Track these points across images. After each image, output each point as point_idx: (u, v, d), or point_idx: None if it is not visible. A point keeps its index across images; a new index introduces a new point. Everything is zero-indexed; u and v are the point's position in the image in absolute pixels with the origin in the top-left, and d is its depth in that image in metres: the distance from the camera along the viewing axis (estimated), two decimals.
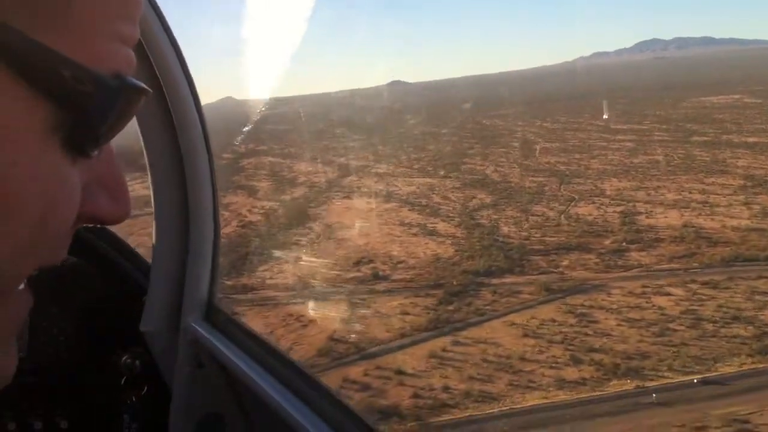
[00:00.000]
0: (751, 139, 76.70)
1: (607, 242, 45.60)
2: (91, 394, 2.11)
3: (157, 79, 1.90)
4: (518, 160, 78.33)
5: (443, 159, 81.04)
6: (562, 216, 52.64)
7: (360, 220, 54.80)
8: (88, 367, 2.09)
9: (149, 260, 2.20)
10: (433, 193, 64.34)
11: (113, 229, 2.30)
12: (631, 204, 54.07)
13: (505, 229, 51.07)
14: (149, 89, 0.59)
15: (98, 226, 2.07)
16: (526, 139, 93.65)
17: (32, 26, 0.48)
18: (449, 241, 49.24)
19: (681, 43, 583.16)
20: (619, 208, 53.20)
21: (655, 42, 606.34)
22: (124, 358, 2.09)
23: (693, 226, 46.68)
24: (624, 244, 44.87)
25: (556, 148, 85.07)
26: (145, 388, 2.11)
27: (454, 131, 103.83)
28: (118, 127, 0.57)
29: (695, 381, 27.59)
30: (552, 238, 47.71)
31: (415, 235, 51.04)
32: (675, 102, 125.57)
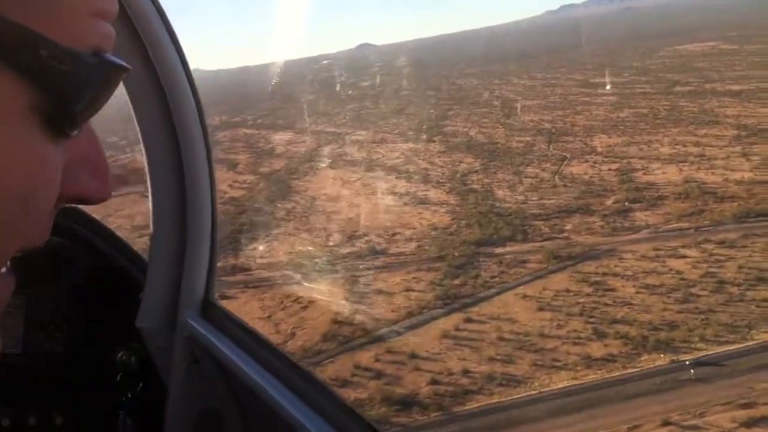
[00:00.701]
0: (735, 87, 75.99)
1: (608, 202, 44.15)
2: (87, 390, 2.08)
3: (146, 54, 1.81)
4: (501, 120, 76.92)
5: (423, 122, 79.32)
6: (557, 176, 51.25)
7: (347, 191, 53.07)
8: (84, 362, 2.05)
9: (131, 243, 2.18)
10: (420, 159, 62.68)
11: (102, 221, 2.17)
12: (625, 161, 52.77)
13: (499, 193, 49.58)
14: (128, 66, 0.58)
15: (80, 206, 2.06)
16: (505, 97, 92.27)
17: (6, 6, 0.47)
18: (443, 209, 47.65)
19: None
20: (614, 166, 51.88)
21: None
22: (119, 354, 2.05)
23: (695, 181, 45.34)
24: (626, 203, 43.41)
25: (537, 106, 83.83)
26: (141, 384, 2.07)
27: (430, 93, 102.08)
28: (97, 105, 0.56)
29: (732, 351, 26.08)
30: (550, 201, 46.23)
31: (406, 204, 49.35)
32: (651, 52, 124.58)
